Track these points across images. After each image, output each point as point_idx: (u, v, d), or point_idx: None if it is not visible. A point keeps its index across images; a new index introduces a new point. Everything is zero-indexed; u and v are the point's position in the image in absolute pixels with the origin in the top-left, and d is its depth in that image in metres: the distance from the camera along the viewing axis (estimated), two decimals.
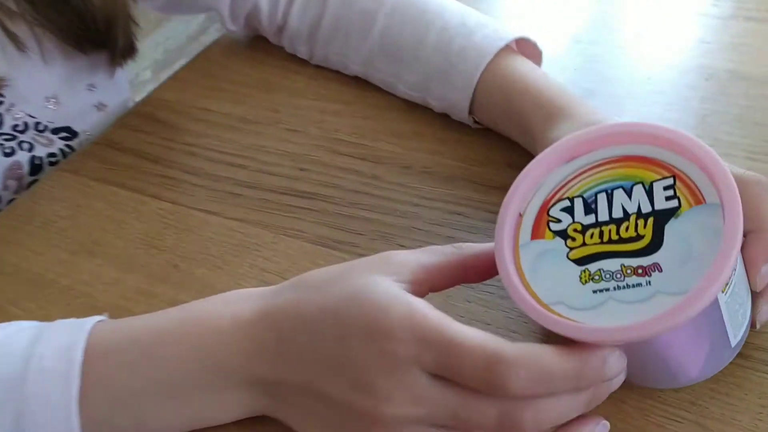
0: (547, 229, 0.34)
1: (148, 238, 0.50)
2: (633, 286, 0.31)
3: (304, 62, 0.66)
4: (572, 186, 0.35)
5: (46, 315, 0.43)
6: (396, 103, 0.59)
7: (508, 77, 0.51)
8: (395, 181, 0.53)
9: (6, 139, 0.57)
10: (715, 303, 0.31)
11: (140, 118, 0.61)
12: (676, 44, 0.64)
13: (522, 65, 0.52)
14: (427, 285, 0.35)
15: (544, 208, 0.35)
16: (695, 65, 0.61)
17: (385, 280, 0.33)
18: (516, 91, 0.50)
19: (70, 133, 0.61)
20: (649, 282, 0.30)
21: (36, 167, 0.59)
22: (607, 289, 0.31)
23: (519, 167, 0.36)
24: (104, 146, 0.59)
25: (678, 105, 0.57)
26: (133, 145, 0.58)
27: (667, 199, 0.32)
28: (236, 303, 0.36)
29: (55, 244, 0.51)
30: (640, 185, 0.33)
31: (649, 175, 0.33)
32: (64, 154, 0.61)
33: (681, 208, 0.31)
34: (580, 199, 0.34)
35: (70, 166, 0.58)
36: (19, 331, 0.36)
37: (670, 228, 0.31)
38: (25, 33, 0.54)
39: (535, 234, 0.34)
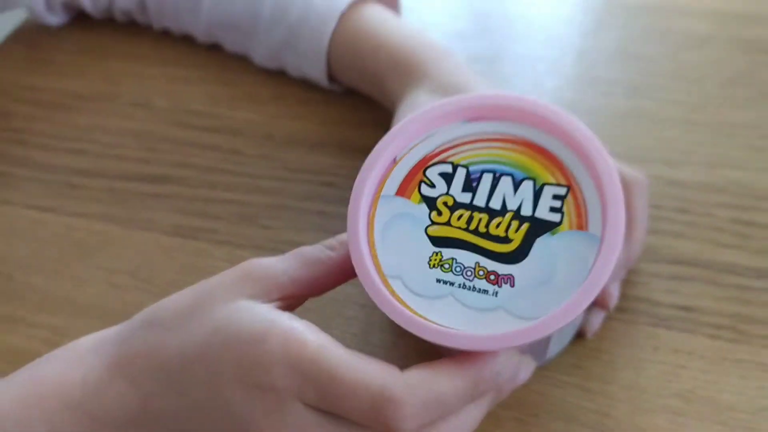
0: (417, 191, 0.31)
1: None
2: (478, 290, 0.29)
3: None
4: (461, 152, 0.31)
5: None
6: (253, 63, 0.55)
7: (358, 36, 0.46)
8: (256, 154, 0.49)
9: None
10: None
11: None
12: None
13: (372, 18, 0.47)
14: (302, 298, 0.31)
15: (423, 164, 0.31)
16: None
17: (252, 305, 0.29)
18: (368, 50, 0.45)
19: None
20: (496, 293, 0.29)
21: None
22: (452, 284, 0.29)
23: None
24: None
25: (556, 41, 0.55)
26: None
27: (552, 210, 0.29)
28: (88, 357, 0.30)
29: None
30: (531, 182, 0.30)
31: (543, 175, 0.30)
32: None
33: (560, 226, 0.29)
34: (464, 171, 0.31)
35: None
36: None
37: (541, 243, 0.29)
38: None
39: (403, 189, 0.31)
